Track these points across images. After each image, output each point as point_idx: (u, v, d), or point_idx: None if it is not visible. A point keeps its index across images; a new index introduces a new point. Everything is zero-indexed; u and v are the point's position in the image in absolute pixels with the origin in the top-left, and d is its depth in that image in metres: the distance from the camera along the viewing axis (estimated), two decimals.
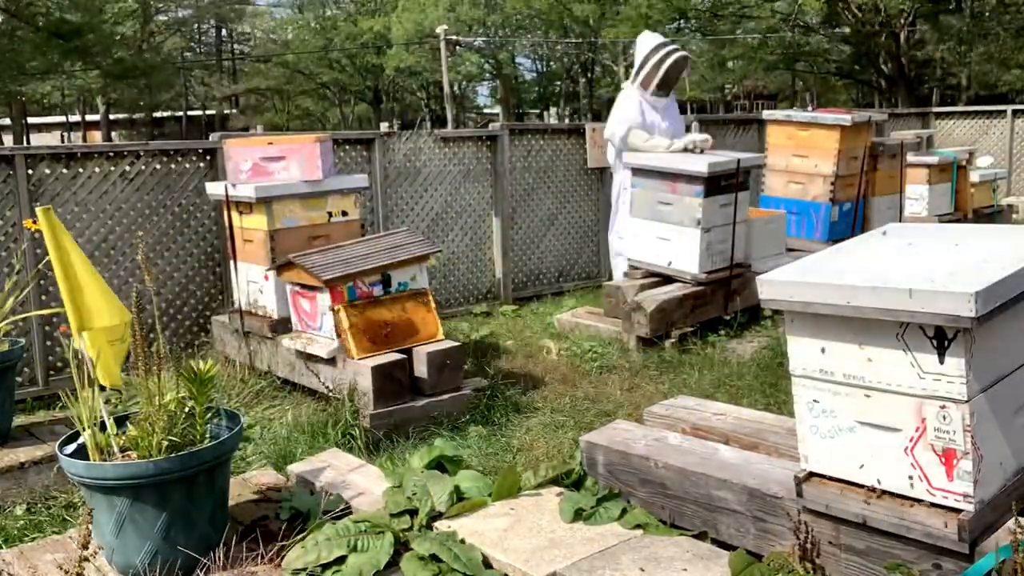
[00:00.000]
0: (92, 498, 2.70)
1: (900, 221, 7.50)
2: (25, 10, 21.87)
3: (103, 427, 2.83)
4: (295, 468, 3.57)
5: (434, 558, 2.64)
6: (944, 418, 2.16)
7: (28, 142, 30.58)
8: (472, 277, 7.27)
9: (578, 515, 2.86)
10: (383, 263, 4.50)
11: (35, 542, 3.05)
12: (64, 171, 5.32)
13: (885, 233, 2.71)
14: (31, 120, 34.91)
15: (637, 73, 6.30)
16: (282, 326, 4.86)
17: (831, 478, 2.40)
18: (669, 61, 6.17)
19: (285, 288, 4.72)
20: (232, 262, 5.18)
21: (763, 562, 2.45)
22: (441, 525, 2.88)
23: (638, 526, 2.79)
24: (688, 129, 6.86)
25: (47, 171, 5.28)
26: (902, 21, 22.30)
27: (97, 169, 5.43)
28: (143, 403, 2.76)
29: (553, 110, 36.91)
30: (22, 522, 3.42)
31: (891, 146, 7.45)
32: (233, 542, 2.84)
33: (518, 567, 2.58)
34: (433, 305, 4.60)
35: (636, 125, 6.21)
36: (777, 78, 32.60)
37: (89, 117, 37.68)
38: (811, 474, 2.44)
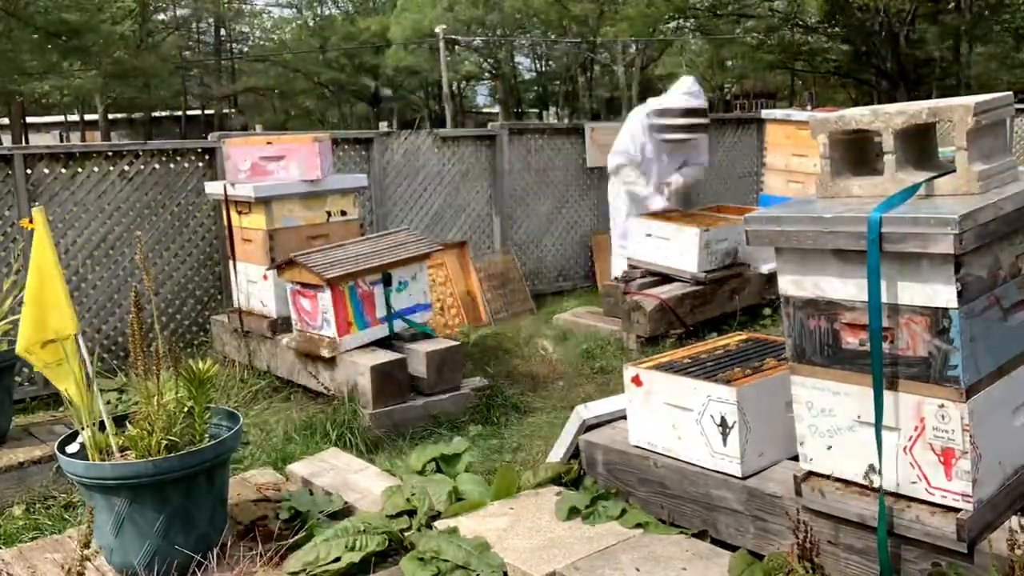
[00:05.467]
0: (91, 498, 2.70)
1: None
2: (24, 10, 21.85)
3: (102, 427, 2.83)
4: (295, 468, 3.57)
5: (434, 559, 2.64)
6: (943, 417, 2.16)
7: (27, 142, 30.55)
8: None
9: (573, 513, 2.86)
10: (384, 262, 4.51)
11: (34, 542, 3.05)
12: (63, 171, 5.32)
13: None
14: (30, 120, 34.86)
15: (661, 114, 6.18)
16: (281, 326, 4.86)
17: (830, 477, 2.40)
18: (680, 136, 6.15)
19: (284, 287, 4.72)
20: (231, 261, 5.18)
21: (764, 562, 2.46)
22: (440, 525, 2.88)
23: (638, 525, 2.79)
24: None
25: (46, 171, 5.27)
26: (902, 20, 22.31)
27: (96, 169, 5.43)
28: (142, 403, 2.76)
29: (552, 110, 36.90)
30: (21, 522, 3.42)
31: None
32: (232, 542, 2.84)
33: (517, 566, 2.58)
34: None
35: (629, 159, 6.21)
36: (777, 77, 32.60)
37: (88, 117, 37.64)
38: (810, 473, 2.44)
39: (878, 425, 2.19)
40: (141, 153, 5.63)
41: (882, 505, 2.22)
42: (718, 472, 2.71)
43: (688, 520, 2.80)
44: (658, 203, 6.27)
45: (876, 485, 2.28)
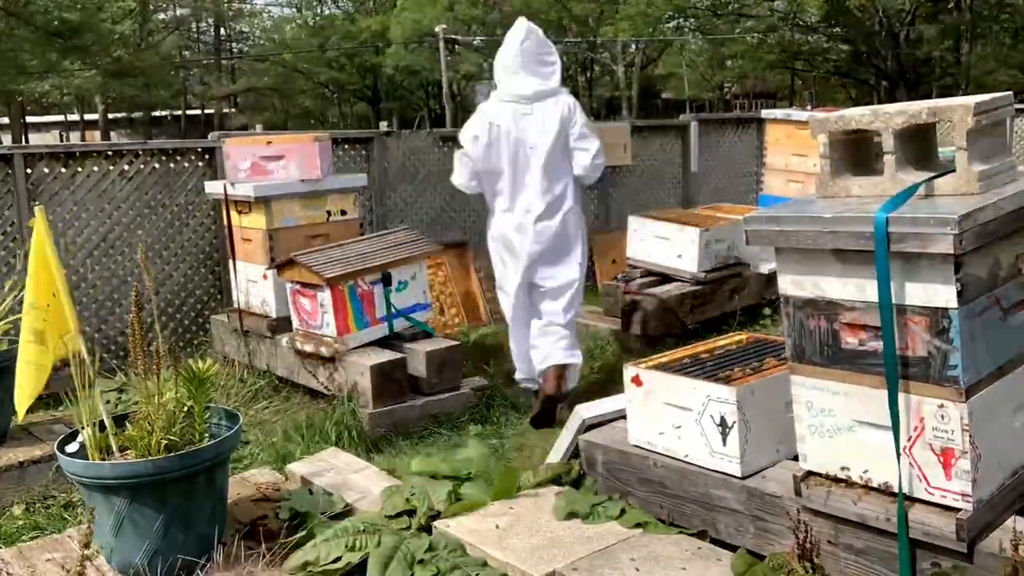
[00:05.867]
0: (91, 498, 2.70)
1: None
2: (24, 9, 21.85)
3: (102, 426, 2.83)
4: (294, 468, 3.57)
5: (434, 559, 2.64)
6: (942, 417, 2.16)
7: (27, 141, 30.54)
8: None
9: (572, 515, 2.86)
10: (383, 261, 4.51)
11: (34, 541, 3.05)
12: (63, 170, 5.32)
13: None
14: (29, 119, 34.88)
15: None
16: (281, 325, 4.86)
17: (830, 477, 2.40)
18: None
19: (284, 287, 4.72)
20: (231, 261, 5.18)
21: (764, 562, 2.46)
22: (440, 525, 2.88)
23: (638, 525, 2.79)
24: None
25: (46, 170, 5.27)
26: (902, 21, 22.32)
27: (96, 168, 5.43)
28: (142, 402, 2.76)
29: None
30: (21, 521, 3.42)
31: None
32: (232, 542, 2.84)
33: (517, 566, 2.58)
34: None
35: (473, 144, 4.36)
36: (777, 77, 32.60)
37: (88, 116, 37.65)
38: (810, 473, 2.44)
39: (895, 426, 2.18)
40: (141, 153, 5.63)
41: (900, 506, 2.22)
42: (718, 472, 2.71)
43: (688, 520, 2.80)
44: None
45: (886, 485, 2.28)
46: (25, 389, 2.92)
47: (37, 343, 2.86)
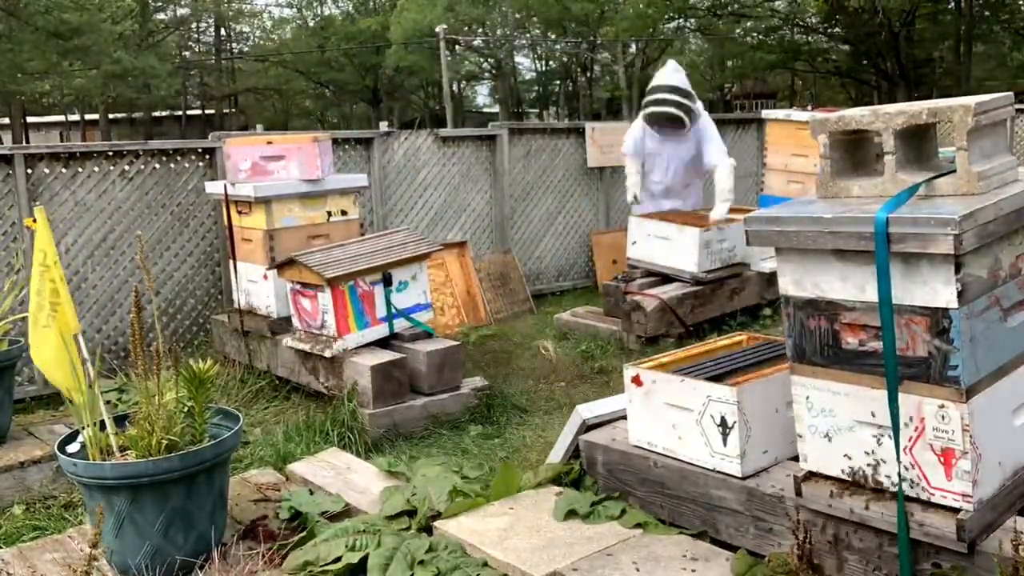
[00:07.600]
0: (91, 498, 2.70)
1: None
2: (24, 10, 21.86)
3: (103, 426, 2.83)
4: (295, 468, 3.58)
5: (434, 559, 2.64)
6: (943, 418, 2.16)
7: (27, 141, 30.54)
8: None
9: (571, 514, 2.86)
10: (384, 261, 4.51)
11: (34, 541, 3.05)
12: (63, 170, 5.32)
13: None
14: (30, 120, 34.88)
15: (649, 92, 6.29)
16: (281, 325, 4.86)
17: (830, 477, 2.40)
18: (649, 110, 6.12)
19: (284, 287, 4.72)
20: (231, 261, 5.18)
21: (764, 563, 2.46)
22: (440, 525, 2.88)
23: (638, 525, 2.79)
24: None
25: (46, 171, 5.28)
26: (902, 21, 22.32)
27: (96, 168, 5.43)
28: (142, 402, 2.76)
29: (552, 110, 36.90)
30: (21, 522, 3.42)
31: None
32: (233, 542, 2.84)
33: (517, 567, 2.58)
34: None
35: (631, 152, 6.30)
36: (777, 77, 32.59)
37: (88, 116, 37.65)
38: (810, 474, 2.44)
39: (895, 425, 2.18)
40: (141, 153, 5.63)
41: (901, 506, 2.21)
42: (718, 472, 2.71)
43: (688, 520, 2.80)
44: (659, 204, 6.28)
45: (886, 485, 2.28)
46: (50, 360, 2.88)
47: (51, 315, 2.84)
